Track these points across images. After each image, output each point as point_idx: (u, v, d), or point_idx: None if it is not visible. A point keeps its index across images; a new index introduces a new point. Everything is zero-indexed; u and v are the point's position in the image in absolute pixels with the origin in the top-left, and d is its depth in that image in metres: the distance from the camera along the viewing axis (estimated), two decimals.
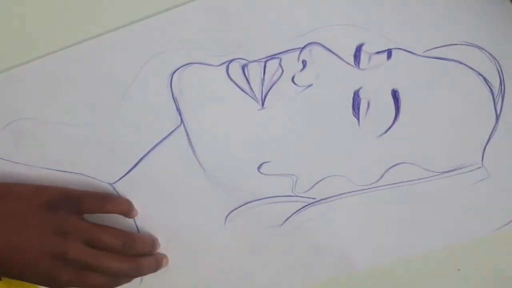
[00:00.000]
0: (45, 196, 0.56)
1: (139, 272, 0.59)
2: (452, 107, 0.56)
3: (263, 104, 0.56)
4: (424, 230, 0.60)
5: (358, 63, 0.54)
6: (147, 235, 0.60)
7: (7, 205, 0.55)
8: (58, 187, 0.57)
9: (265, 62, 0.54)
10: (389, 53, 0.54)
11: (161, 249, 0.62)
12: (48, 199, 0.56)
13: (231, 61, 0.54)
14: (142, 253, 0.59)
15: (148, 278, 0.63)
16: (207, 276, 0.63)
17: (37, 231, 0.55)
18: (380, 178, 0.58)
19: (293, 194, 0.59)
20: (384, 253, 0.62)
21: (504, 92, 0.55)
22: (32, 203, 0.56)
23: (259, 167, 0.58)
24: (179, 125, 0.56)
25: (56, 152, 0.57)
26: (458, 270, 0.61)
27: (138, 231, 0.61)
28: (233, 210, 0.60)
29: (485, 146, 0.57)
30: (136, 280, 0.62)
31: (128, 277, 0.59)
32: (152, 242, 0.60)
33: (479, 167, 0.58)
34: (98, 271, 0.56)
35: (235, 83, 0.55)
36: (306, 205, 0.59)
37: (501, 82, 0.55)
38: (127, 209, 0.59)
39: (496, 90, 0.55)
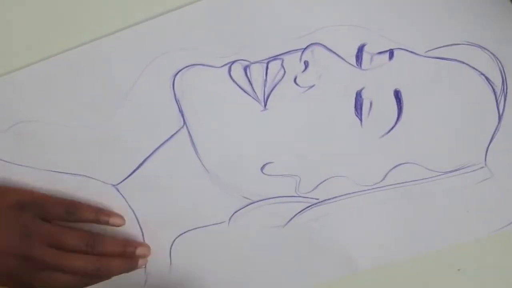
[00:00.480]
0: (13, 197, 0.57)
1: (108, 271, 0.59)
2: (455, 107, 0.56)
3: (265, 105, 0.56)
4: (427, 230, 0.60)
5: (360, 64, 0.54)
6: (116, 237, 0.60)
7: None
8: (26, 189, 0.58)
9: (267, 63, 0.54)
10: (391, 53, 0.54)
11: (164, 250, 0.62)
12: (16, 200, 0.57)
13: (233, 62, 0.54)
14: (111, 254, 0.59)
15: (152, 280, 0.63)
16: (211, 276, 0.63)
17: (2, 231, 0.56)
18: (383, 178, 0.58)
19: (296, 195, 0.59)
20: (386, 253, 0.62)
21: (506, 92, 0.55)
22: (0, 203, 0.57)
23: (262, 168, 0.58)
24: (182, 127, 0.57)
25: (60, 154, 0.58)
26: (458, 270, 0.62)
27: (142, 233, 0.61)
28: (236, 211, 0.60)
29: (488, 146, 0.57)
30: (141, 281, 0.63)
31: (97, 277, 0.59)
32: (123, 243, 0.60)
33: (482, 167, 0.58)
34: (62, 271, 0.57)
35: (237, 84, 0.55)
36: (310, 206, 0.60)
37: (504, 82, 0.55)
38: (93, 218, 0.59)
39: (498, 90, 0.55)
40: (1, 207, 0.56)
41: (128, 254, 0.60)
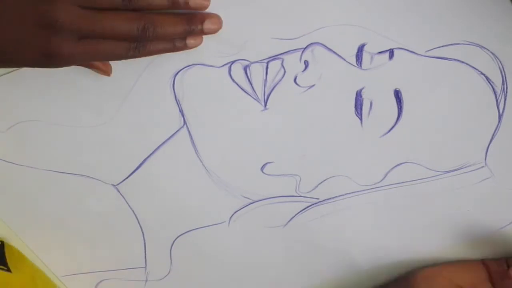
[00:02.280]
0: None
1: (156, 33, 0.48)
2: (455, 106, 0.56)
3: (265, 105, 0.56)
4: (428, 229, 0.61)
5: (360, 63, 0.54)
6: None
7: None
8: None
9: (267, 62, 0.54)
10: (391, 53, 0.54)
11: (165, 250, 0.62)
12: None
13: (233, 62, 0.54)
14: (152, 7, 0.48)
15: (153, 280, 0.64)
16: (211, 276, 0.64)
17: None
18: (384, 178, 0.59)
19: (296, 194, 0.60)
20: (387, 253, 0.62)
21: (506, 91, 0.55)
22: None
23: (262, 168, 0.59)
24: (182, 126, 0.57)
25: (59, 154, 0.58)
26: None
27: (142, 232, 0.62)
28: (236, 211, 0.61)
29: (488, 146, 0.57)
30: (141, 281, 0.64)
31: (143, 39, 0.48)
32: None
33: (482, 167, 0.58)
34: (101, 37, 0.47)
35: (238, 84, 0.55)
36: (310, 205, 0.60)
37: (504, 81, 0.55)
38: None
39: (498, 89, 0.55)
40: None
41: (180, 5, 0.49)
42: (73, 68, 0.54)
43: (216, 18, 0.51)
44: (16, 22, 0.44)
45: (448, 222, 0.61)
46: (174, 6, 0.48)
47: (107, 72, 0.53)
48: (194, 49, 0.53)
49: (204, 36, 0.53)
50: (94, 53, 0.47)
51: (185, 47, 0.51)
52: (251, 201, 0.60)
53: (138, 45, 0.48)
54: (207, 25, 0.50)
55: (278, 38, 0.53)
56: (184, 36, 0.50)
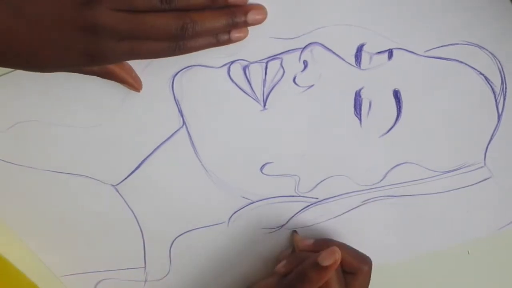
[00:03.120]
0: None
1: (195, 31, 0.48)
2: (454, 106, 0.56)
3: (264, 105, 0.56)
4: (427, 230, 0.61)
5: (359, 63, 0.54)
6: None
7: None
8: None
9: (267, 62, 0.54)
10: (390, 53, 0.54)
11: (164, 250, 0.62)
12: None
13: (232, 62, 0.54)
14: (191, 6, 0.48)
15: (152, 280, 0.64)
16: (211, 277, 0.64)
17: (54, 3, 0.46)
18: (383, 178, 0.59)
19: (296, 194, 0.60)
20: (386, 253, 0.62)
21: (505, 91, 0.55)
22: None
23: (261, 168, 0.58)
24: (181, 127, 0.57)
25: (59, 154, 0.58)
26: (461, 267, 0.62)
27: (142, 233, 0.61)
28: (236, 211, 0.60)
29: (487, 146, 0.58)
30: (140, 281, 0.63)
31: (184, 38, 0.48)
32: None
33: (482, 167, 0.58)
34: (140, 38, 0.48)
35: (237, 85, 0.55)
36: (309, 205, 0.60)
37: (503, 81, 0.55)
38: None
39: (497, 89, 0.55)
40: None
41: (219, 2, 0.49)
42: None
43: (261, 8, 0.51)
44: (57, 27, 0.45)
45: (447, 222, 0.61)
46: (214, 3, 0.48)
47: (137, 88, 0.54)
48: None
49: None
50: (135, 52, 0.48)
51: (229, 41, 0.51)
52: (250, 201, 0.60)
53: (179, 43, 0.48)
54: (251, 16, 0.50)
55: (277, 38, 0.53)
56: (228, 30, 0.50)
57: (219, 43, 0.51)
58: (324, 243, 0.57)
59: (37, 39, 0.46)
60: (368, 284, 0.56)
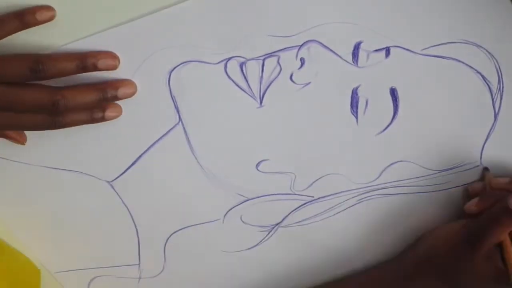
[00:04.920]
0: None
1: (69, 104, 0.50)
2: (451, 105, 0.57)
3: (261, 102, 0.56)
4: (423, 228, 0.61)
5: (357, 61, 0.55)
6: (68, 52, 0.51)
7: None
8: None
9: (264, 60, 0.54)
10: (387, 51, 0.54)
11: (159, 248, 0.63)
12: None
13: (229, 59, 0.54)
14: (61, 74, 0.50)
15: (146, 277, 0.64)
16: (205, 274, 0.64)
17: None
18: (378, 176, 0.59)
19: (291, 192, 0.60)
20: (382, 251, 0.63)
21: (502, 90, 0.56)
22: None
23: (257, 165, 0.59)
24: (177, 123, 0.57)
25: (54, 150, 0.58)
26: None
27: (136, 230, 0.62)
28: (231, 208, 0.61)
29: (484, 145, 0.58)
30: (134, 279, 0.64)
31: (57, 114, 0.50)
32: (81, 55, 0.50)
33: (478, 166, 0.59)
34: (16, 110, 0.50)
35: (233, 81, 0.55)
36: (305, 203, 0.60)
37: (500, 80, 0.55)
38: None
39: (494, 88, 0.56)
40: None
41: (89, 67, 0.50)
42: None
43: (131, 83, 0.53)
44: None
45: (443, 221, 0.61)
46: (84, 70, 0.50)
47: (21, 142, 0.55)
48: (190, 45, 0.54)
49: (200, 33, 0.53)
50: (14, 124, 0.51)
51: (103, 119, 0.53)
52: (245, 198, 0.60)
53: (53, 118, 0.50)
54: (122, 90, 0.52)
55: (275, 36, 0.54)
56: (100, 105, 0.52)
57: (93, 120, 0.53)
58: None
59: None
60: None
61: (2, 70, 0.48)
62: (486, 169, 0.59)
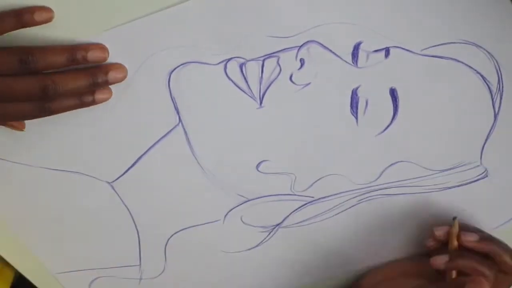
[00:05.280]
0: None
1: (56, 89, 0.50)
2: (451, 105, 0.57)
3: (261, 103, 0.57)
4: (423, 228, 0.62)
5: (356, 62, 0.55)
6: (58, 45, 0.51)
7: None
8: None
9: (263, 60, 0.55)
10: (387, 51, 0.55)
11: (160, 248, 0.63)
12: None
13: (229, 59, 0.55)
14: (56, 65, 0.50)
15: (147, 277, 0.65)
16: (206, 275, 0.65)
17: None
18: (379, 177, 0.60)
19: (291, 193, 0.61)
20: (383, 252, 0.64)
21: (502, 90, 0.56)
22: None
23: (257, 166, 0.59)
24: (178, 124, 0.57)
25: (54, 151, 0.58)
26: None
27: (137, 230, 0.62)
28: (232, 209, 0.61)
29: (484, 144, 0.59)
30: (135, 279, 0.65)
31: (47, 100, 0.50)
32: (70, 48, 0.50)
33: (478, 165, 0.60)
34: (6, 100, 0.50)
35: (233, 82, 0.56)
36: (305, 204, 0.61)
37: (499, 80, 0.56)
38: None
39: (494, 88, 0.56)
40: None
41: (78, 60, 0.50)
42: None
43: (121, 67, 0.53)
44: None
45: (443, 221, 0.62)
46: (74, 63, 0.50)
47: (19, 128, 0.55)
48: (190, 46, 0.54)
49: (200, 34, 0.53)
50: (1, 114, 0.51)
51: (93, 102, 0.53)
52: (246, 199, 0.61)
53: (43, 105, 0.50)
54: (112, 74, 0.52)
55: (274, 36, 0.54)
56: (91, 90, 0.52)
57: (83, 105, 0.52)
58: (486, 243, 0.57)
59: None
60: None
61: None
62: (455, 218, 0.60)
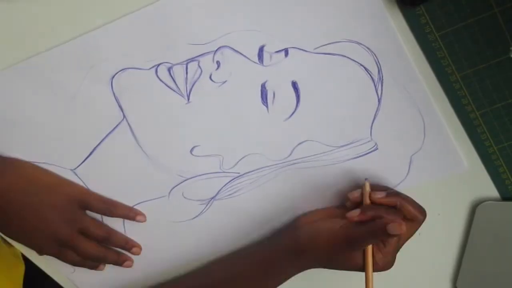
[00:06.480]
0: (66, 190, 0.67)
1: (104, 260, 0.72)
2: (342, 93, 0.63)
3: (188, 99, 0.63)
4: (328, 194, 0.69)
5: (262, 61, 0.61)
6: (124, 236, 0.72)
7: (33, 194, 0.66)
8: (76, 184, 0.69)
9: (187, 64, 0.61)
10: (286, 51, 0.61)
11: (119, 220, 0.71)
12: (67, 193, 0.67)
13: (159, 64, 0.61)
14: (116, 246, 0.72)
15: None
16: (159, 241, 0.72)
17: (55, 217, 0.67)
18: (290, 154, 0.66)
19: (221, 171, 0.67)
20: (295, 212, 0.70)
21: (382, 79, 0.62)
22: (55, 192, 0.67)
23: (191, 150, 0.66)
24: (122, 119, 0.64)
25: (24, 146, 0.65)
26: None
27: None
28: (174, 187, 0.68)
29: (372, 123, 0.64)
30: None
31: (94, 260, 0.72)
32: (126, 240, 0.72)
33: (369, 141, 0.65)
34: (76, 252, 0.69)
35: (164, 83, 0.62)
36: (233, 179, 0.68)
37: (379, 71, 0.61)
38: (124, 214, 0.70)
39: (376, 78, 0.62)
40: (58, 198, 0.67)
41: (126, 248, 0.72)
42: (32, 75, 0.62)
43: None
44: (43, 237, 0.68)
45: (345, 187, 0.68)
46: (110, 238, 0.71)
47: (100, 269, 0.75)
48: (126, 55, 0.60)
49: (134, 44, 0.60)
50: (62, 256, 0.70)
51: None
52: (184, 178, 0.67)
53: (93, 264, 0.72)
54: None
55: (193, 44, 0.60)
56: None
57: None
58: (393, 195, 0.62)
59: (35, 223, 0.68)
60: (415, 232, 0.63)
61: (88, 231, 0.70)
62: (366, 180, 0.64)
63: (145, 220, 0.70)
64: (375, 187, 0.65)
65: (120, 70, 0.62)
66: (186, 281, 0.73)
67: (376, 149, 0.66)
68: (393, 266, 0.63)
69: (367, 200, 0.63)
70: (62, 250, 0.69)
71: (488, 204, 0.68)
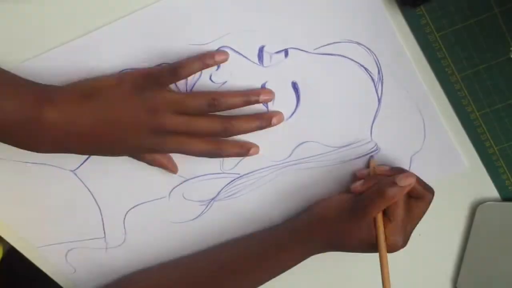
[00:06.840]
0: (128, 81, 0.59)
1: (235, 130, 0.61)
2: (342, 93, 0.63)
3: None
4: (327, 194, 0.69)
5: (262, 62, 0.61)
6: (234, 91, 0.61)
7: (96, 103, 0.59)
8: (137, 69, 0.61)
9: None
10: (286, 52, 0.60)
11: (119, 222, 0.70)
12: (132, 83, 0.59)
13: (159, 65, 0.61)
14: (235, 106, 0.60)
15: (112, 248, 0.72)
16: (159, 242, 0.72)
17: (131, 113, 0.59)
18: (290, 154, 0.66)
19: (221, 172, 0.67)
20: (296, 211, 0.70)
21: (382, 79, 0.62)
22: (119, 91, 0.59)
23: None
24: None
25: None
26: None
27: (99, 208, 0.69)
28: (174, 187, 0.68)
29: (372, 124, 0.64)
30: (102, 248, 0.72)
31: (225, 134, 0.62)
32: (244, 93, 0.61)
33: (369, 141, 0.66)
34: (191, 135, 0.60)
35: None
36: (233, 180, 0.68)
37: (379, 71, 0.61)
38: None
39: (376, 78, 0.62)
40: (121, 93, 0.59)
41: (251, 102, 0.61)
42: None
43: (279, 114, 0.63)
44: (132, 130, 0.60)
45: (344, 187, 0.68)
46: (249, 103, 0.61)
47: (175, 172, 0.66)
48: (126, 55, 0.60)
49: (133, 48, 0.60)
50: (181, 148, 0.62)
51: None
52: (185, 179, 0.67)
53: (217, 150, 0.62)
54: (274, 120, 0.62)
55: (194, 44, 0.60)
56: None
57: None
58: (398, 170, 0.63)
59: (115, 139, 0.60)
60: (426, 211, 0.62)
61: (186, 105, 0.59)
62: (371, 157, 0.65)
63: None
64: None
65: (120, 71, 0.62)
66: (198, 257, 0.72)
67: (377, 150, 0.66)
68: (393, 266, 0.62)
69: (372, 174, 0.64)
70: (174, 140, 0.61)
71: (488, 205, 0.68)
